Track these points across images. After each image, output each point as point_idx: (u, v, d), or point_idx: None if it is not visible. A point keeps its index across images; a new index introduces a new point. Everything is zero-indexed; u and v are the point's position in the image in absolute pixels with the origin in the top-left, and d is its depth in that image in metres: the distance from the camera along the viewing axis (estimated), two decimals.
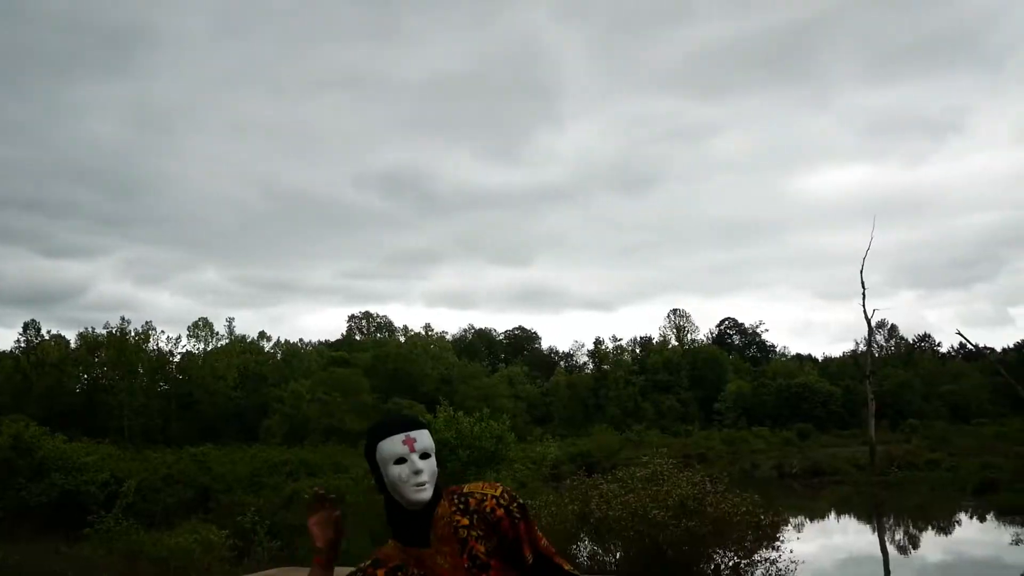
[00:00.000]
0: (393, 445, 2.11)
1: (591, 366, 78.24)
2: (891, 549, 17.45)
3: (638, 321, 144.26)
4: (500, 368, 76.01)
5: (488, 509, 2.15)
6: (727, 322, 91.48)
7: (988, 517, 20.55)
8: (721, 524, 10.56)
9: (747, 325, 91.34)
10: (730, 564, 11.38)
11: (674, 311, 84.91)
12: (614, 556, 11.59)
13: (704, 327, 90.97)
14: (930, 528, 20.66)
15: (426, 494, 2.09)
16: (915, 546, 18.22)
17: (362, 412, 53.42)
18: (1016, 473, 24.83)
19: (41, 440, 20.55)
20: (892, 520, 21.88)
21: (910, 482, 28.59)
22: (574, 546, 11.36)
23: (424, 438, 2.15)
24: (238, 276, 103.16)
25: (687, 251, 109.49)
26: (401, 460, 2.09)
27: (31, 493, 18.98)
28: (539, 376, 73.92)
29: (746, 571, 11.24)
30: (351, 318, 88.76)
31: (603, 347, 79.33)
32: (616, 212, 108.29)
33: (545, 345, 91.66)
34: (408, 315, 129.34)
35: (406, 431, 2.14)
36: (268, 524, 13.56)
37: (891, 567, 14.95)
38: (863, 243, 70.91)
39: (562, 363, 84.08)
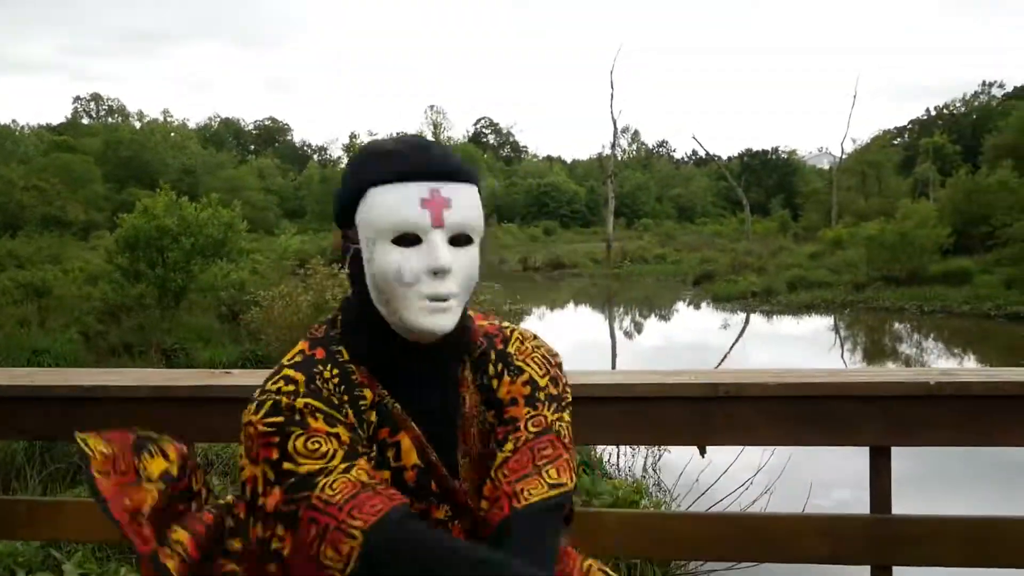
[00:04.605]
0: (401, 202, 1.07)
1: (346, 160, 76.28)
2: (619, 335, 18.74)
3: (393, 117, 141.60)
4: (250, 160, 72.02)
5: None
6: (483, 121, 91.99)
7: (703, 305, 22.58)
8: None
9: (502, 125, 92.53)
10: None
11: (431, 107, 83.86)
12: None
13: (460, 126, 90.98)
14: (652, 316, 22.40)
15: (445, 321, 1.10)
16: (639, 332, 19.73)
17: (93, 202, 48.67)
18: (729, 266, 27.58)
19: None
20: (622, 309, 23.48)
21: (639, 274, 31.12)
22: None
23: (464, 201, 1.11)
24: None
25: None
26: (408, 240, 1.08)
27: None
28: (292, 169, 70.99)
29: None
30: (77, 100, 79.65)
31: (358, 141, 77.18)
32: None
33: (298, 138, 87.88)
34: (144, 100, 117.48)
35: (432, 181, 1.08)
36: None
37: (617, 351, 16.02)
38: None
39: (315, 156, 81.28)
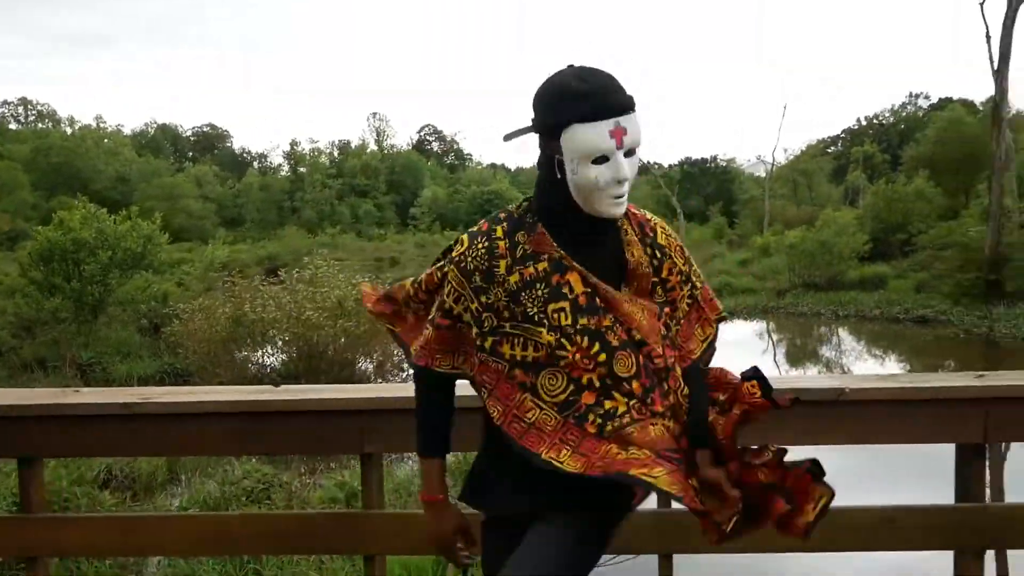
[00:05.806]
0: (598, 136, 1.52)
1: (286, 168, 75.40)
2: None
3: (335, 123, 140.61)
4: (187, 167, 70.71)
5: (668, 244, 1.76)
6: (427, 128, 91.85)
7: None
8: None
9: (446, 133, 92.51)
10: (395, 359, 11.62)
11: (373, 115, 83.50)
12: (274, 359, 11.36)
13: (404, 133, 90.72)
14: None
15: (621, 208, 1.62)
16: None
17: (21, 211, 47.33)
18: None
19: None
20: None
21: None
22: (229, 355, 10.92)
23: (634, 127, 1.55)
24: None
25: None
26: (602, 159, 1.53)
27: None
28: (231, 177, 69.94)
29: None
30: (4, 104, 77.08)
31: (299, 149, 76.49)
32: None
33: (237, 145, 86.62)
34: (75, 106, 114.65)
35: (617, 116, 1.52)
36: None
37: None
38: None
39: (255, 164, 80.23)
